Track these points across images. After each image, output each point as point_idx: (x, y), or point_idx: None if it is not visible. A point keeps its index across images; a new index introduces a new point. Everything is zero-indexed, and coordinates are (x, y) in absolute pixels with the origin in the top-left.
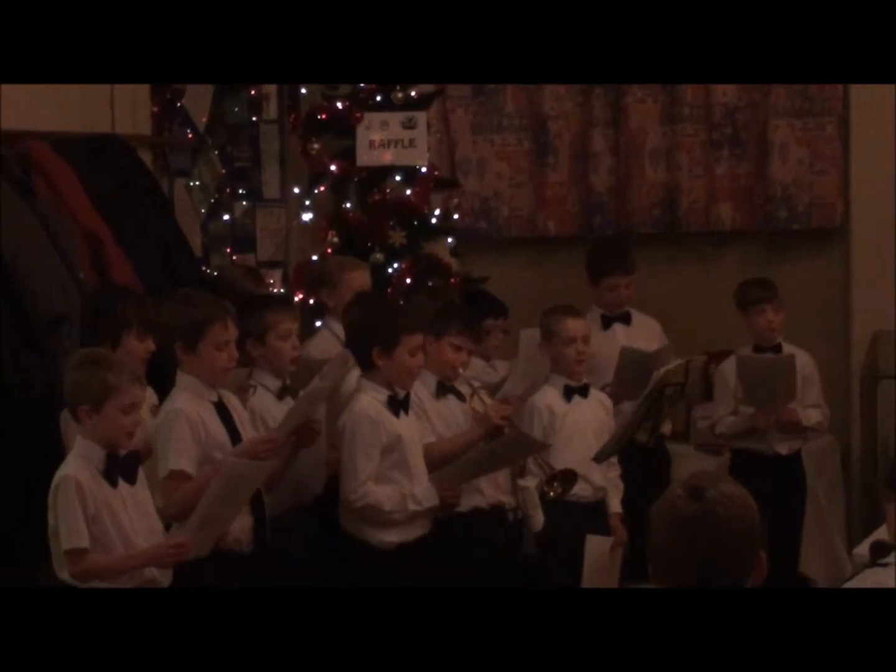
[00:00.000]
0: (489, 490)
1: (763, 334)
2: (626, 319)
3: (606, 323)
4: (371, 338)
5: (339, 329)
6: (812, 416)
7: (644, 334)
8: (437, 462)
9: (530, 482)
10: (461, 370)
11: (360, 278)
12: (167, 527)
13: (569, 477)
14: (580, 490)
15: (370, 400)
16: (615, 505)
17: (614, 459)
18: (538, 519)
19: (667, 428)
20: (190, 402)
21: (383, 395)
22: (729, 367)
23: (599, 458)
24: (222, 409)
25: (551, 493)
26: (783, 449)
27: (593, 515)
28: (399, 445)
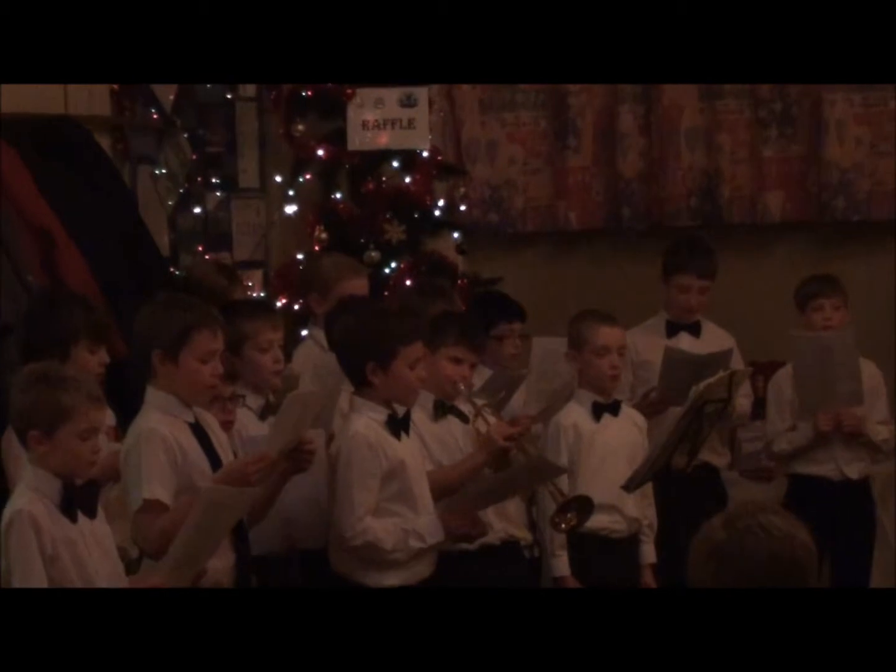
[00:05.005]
0: (499, 523)
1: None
2: (695, 330)
3: (672, 331)
4: (363, 351)
5: (325, 339)
6: (881, 431)
7: (714, 349)
8: (436, 494)
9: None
10: (462, 386)
11: (357, 287)
12: (128, 566)
13: (584, 505)
14: (612, 524)
15: (367, 421)
16: (649, 553)
17: (649, 492)
18: (562, 563)
19: (723, 460)
20: (163, 423)
21: (382, 414)
22: (784, 376)
23: (630, 486)
24: (199, 432)
25: (563, 525)
26: (853, 472)
27: (626, 552)
28: (402, 472)
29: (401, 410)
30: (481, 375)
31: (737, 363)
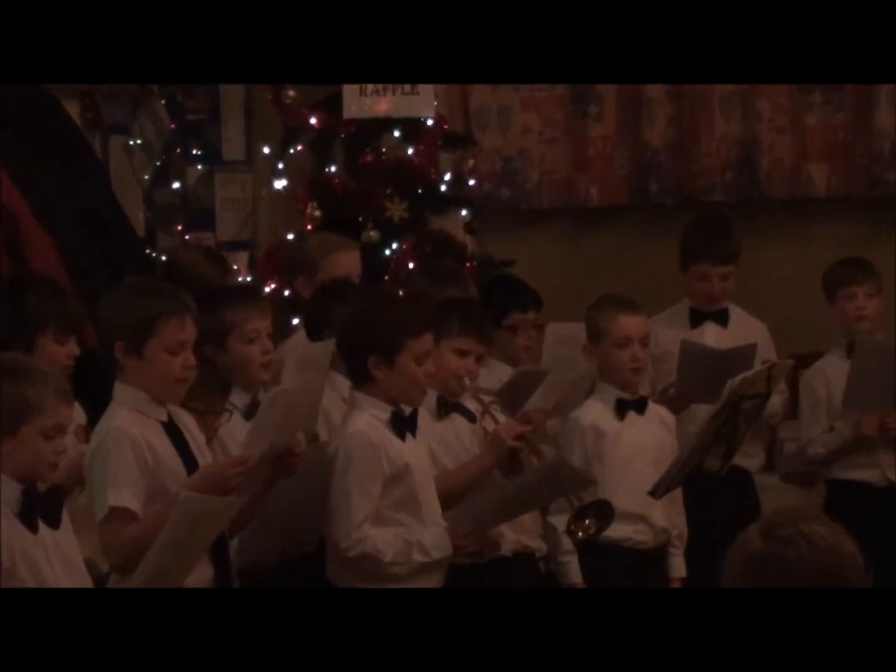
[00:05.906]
0: (511, 534)
1: (850, 324)
2: (722, 318)
3: (696, 319)
4: (365, 343)
5: None
6: None
7: (742, 340)
8: (439, 500)
9: (560, 519)
10: (468, 381)
11: (347, 263)
12: (98, 582)
13: (603, 511)
14: (638, 534)
15: (369, 419)
16: (678, 567)
17: (678, 498)
18: (573, 568)
19: (755, 462)
20: (132, 422)
21: (385, 412)
22: (816, 373)
23: (657, 491)
24: (173, 431)
25: (580, 534)
26: None
27: (654, 565)
28: (406, 477)
29: (406, 408)
30: (491, 370)
31: (769, 354)
